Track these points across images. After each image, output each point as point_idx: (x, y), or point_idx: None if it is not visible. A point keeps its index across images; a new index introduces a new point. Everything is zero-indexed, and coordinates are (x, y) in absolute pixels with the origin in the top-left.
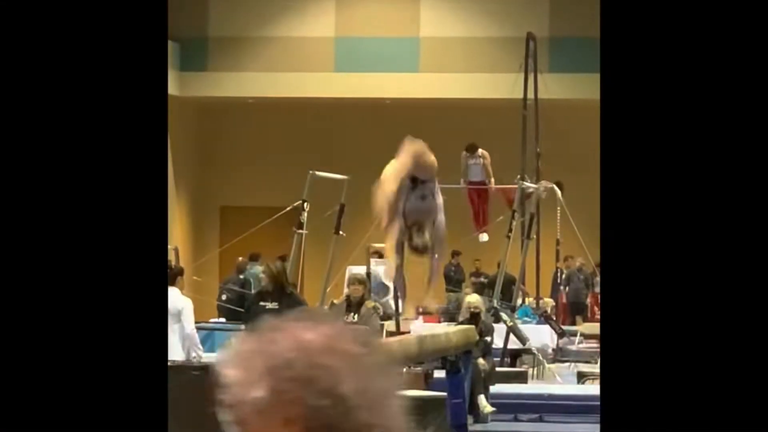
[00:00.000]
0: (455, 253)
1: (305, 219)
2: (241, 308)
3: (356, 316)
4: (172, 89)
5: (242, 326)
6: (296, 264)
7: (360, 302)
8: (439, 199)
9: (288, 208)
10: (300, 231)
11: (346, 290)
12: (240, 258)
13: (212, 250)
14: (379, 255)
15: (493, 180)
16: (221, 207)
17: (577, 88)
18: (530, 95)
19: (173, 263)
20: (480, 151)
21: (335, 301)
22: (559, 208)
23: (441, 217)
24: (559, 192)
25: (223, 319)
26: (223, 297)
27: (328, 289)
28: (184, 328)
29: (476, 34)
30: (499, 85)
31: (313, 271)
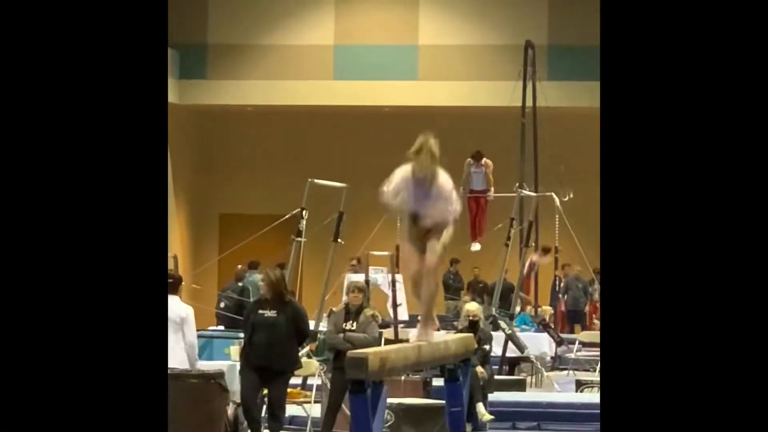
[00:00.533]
0: (454, 261)
1: (304, 227)
2: (239, 316)
3: (355, 323)
4: (172, 97)
5: (241, 334)
6: (295, 271)
7: (359, 310)
8: (453, 204)
9: (287, 216)
10: (299, 239)
11: (344, 298)
12: (239, 266)
13: (211, 258)
14: (358, 260)
15: (492, 189)
16: (220, 215)
17: (576, 96)
18: (529, 103)
19: (172, 271)
20: (484, 159)
21: (334, 309)
22: (557, 216)
23: (451, 209)
24: (557, 200)
25: (221, 327)
26: (222, 305)
27: (326, 297)
28: (186, 337)
29: (475, 42)
30: (498, 93)
31: (311, 279)
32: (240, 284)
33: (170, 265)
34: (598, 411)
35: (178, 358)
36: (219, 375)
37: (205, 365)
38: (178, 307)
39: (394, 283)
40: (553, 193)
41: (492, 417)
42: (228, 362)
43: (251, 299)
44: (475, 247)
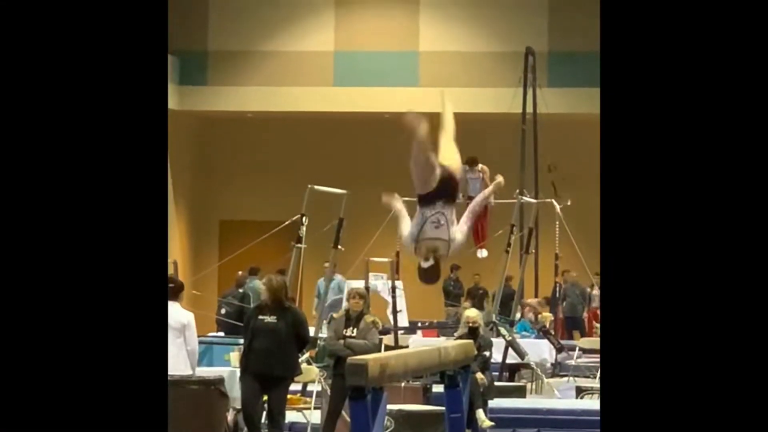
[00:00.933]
0: (454, 267)
1: (304, 233)
2: (240, 322)
3: (355, 330)
4: (172, 103)
5: (241, 340)
6: (295, 278)
7: (359, 316)
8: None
9: (287, 222)
10: (299, 245)
11: (345, 304)
12: (240, 272)
13: (211, 264)
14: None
15: (492, 195)
16: (220, 221)
17: (576, 103)
18: (529, 110)
19: (173, 276)
20: (480, 165)
21: (334, 315)
22: (557, 222)
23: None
24: (557, 207)
25: (222, 333)
26: (222, 311)
27: (326, 303)
28: (188, 343)
29: (476, 49)
30: (499, 99)
31: (311, 285)
32: (241, 290)
33: (170, 271)
34: (599, 418)
35: (179, 364)
36: (219, 381)
37: (206, 371)
38: (178, 314)
39: (394, 289)
40: (553, 200)
41: (492, 423)
42: (228, 368)
43: (251, 305)
44: (482, 253)
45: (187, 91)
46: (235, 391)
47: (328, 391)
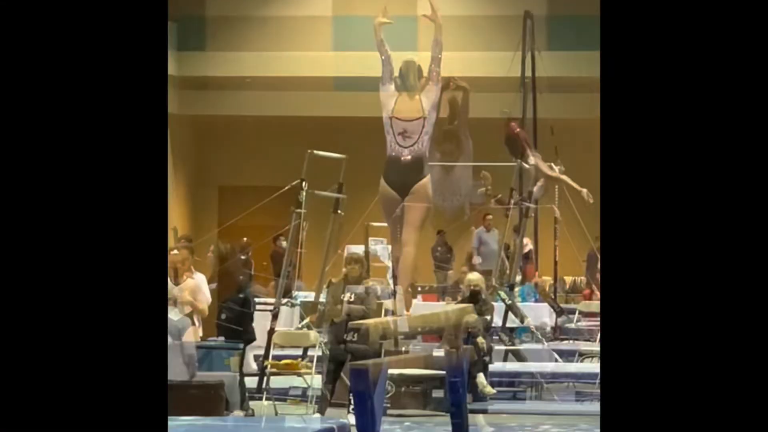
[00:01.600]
0: (440, 232)
1: (304, 198)
2: (240, 327)
3: (354, 295)
4: (170, 69)
5: (240, 345)
6: (295, 244)
7: (358, 281)
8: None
9: (286, 188)
10: (298, 210)
11: (344, 269)
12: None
13: (211, 230)
14: (299, 250)
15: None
16: (219, 186)
17: (575, 66)
18: (528, 73)
19: (172, 242)
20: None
21: (333, 280)
22: (556, 186)
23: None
24: (556, 169)
25: (222, 338)
26: (223, 316)
27: (326, 269)
28: (184, 348)
29: (474, 13)
30: (498, 63)
31: (311, 251)
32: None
33: (170, 238)
34: (598, 381)
35: (176, 369)
36: (219, 386)
37: (205, 376)
38: (176, 319)
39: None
40: (552, 164)
41: (494, 391)
42: (228, 373)
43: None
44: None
45: (185, 57)
46: (234, 395)
47: (328, 356)
